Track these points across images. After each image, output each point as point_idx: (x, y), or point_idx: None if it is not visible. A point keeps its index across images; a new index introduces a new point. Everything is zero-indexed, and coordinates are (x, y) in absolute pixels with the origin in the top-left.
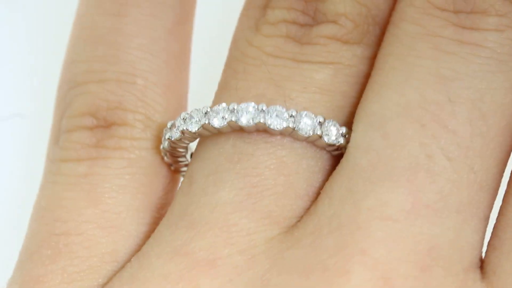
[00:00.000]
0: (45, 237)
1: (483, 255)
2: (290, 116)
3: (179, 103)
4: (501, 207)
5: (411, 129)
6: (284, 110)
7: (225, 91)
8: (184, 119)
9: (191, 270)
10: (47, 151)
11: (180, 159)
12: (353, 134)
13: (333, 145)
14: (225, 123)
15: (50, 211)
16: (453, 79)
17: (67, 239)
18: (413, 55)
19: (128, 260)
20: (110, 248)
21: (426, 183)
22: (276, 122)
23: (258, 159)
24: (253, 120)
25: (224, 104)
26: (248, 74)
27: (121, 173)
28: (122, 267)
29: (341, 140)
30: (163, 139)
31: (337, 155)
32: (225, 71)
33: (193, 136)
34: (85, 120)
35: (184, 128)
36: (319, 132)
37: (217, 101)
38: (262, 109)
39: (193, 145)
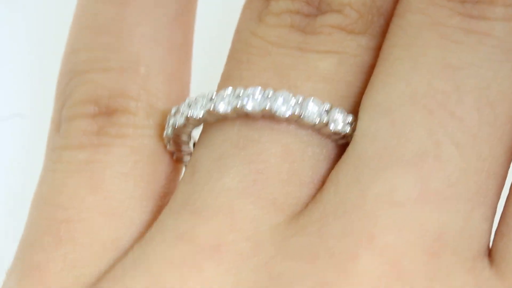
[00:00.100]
0: (46, 224)
1: (491, 244)
2: (297, 103)
3: (182, 92)
4: (508, 194)
5: (418, 116)
6: (291, 96)
7: (229, 81)
8: (189, 105)
9: (195, 255)
10: (47, 141)
11: (183, 148)
12: (359, 122)
13: (339, 133)
14: (231, 108)
15: (51, 198)
16: (460, 68)
17: (69, 226)
18: (419, 45)
19: (130, 248)
20: (112, 236)
21: (434, 170)
22: (283, 108)
23: (263, 146)
24: (259, 106)
25: (230, 89)
26: (252, 64)
27: (123, 161)
28: (124, 255)
29: (348, 129)
30: (166, 125)
31: (342, 144)
32: (228, 63)
33: (197, 122)
34: (87, 108)
35: (189, 114)
36: (325, 120)
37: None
38: (269, 95)
39: (196, 135)
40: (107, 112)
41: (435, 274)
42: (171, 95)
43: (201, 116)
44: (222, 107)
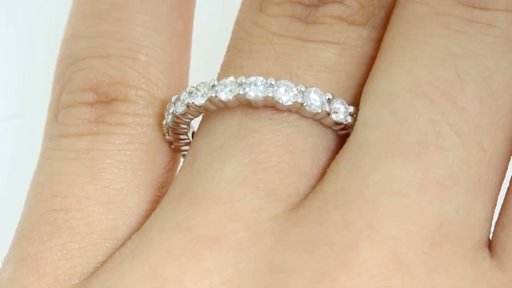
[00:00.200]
0: (43, 213)
1: (491, 235)
2: (299, 92)
3: (181, 80)
4: (509, 186)
5: (420, 105)
6: (293, 85)
7: (230, 70)
8: (190, 93)
9: (194, 245)
10: (44, 129)
11: (182, 137)
12: (360, 112)
13: (341, 123)
14: (233, 96)
15: (49, 186)
16: (462, 57)
17: (67, 214)
18: (422, 34)
19: (129, 238)
20: (111, 225)
21: (435, 159)
22: (285, 97)
23: (264, 136)
24: (261, 94)
25: (232, 78)
26: (254, 53)
27: (122, 149)
28: (123, 244)
29: (349, 119)
30: (166, 114)
31: (343, 135)
32: (228, 52)
33: (198, 110)
34: (85, 96)
35: (190, 102)
36: (327, 109)
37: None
38: (271, 83)
39: (195, 125)
40: (106, 100)
41: (435, 264)
42: (170, 84)
43: (202, 103)
44: (224, 95)
